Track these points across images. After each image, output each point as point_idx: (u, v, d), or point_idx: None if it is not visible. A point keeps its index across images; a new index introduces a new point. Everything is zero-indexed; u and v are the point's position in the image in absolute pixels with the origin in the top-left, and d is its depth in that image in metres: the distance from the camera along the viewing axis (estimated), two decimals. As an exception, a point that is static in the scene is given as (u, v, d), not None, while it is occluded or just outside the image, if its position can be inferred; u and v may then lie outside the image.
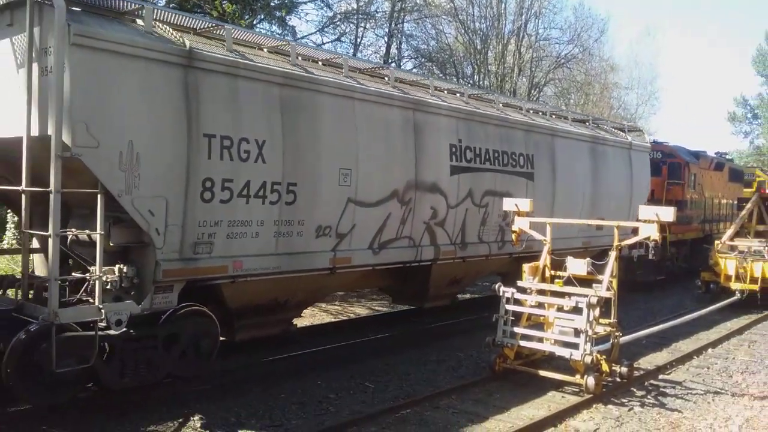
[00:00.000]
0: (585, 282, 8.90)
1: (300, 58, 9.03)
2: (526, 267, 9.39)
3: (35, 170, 6.70)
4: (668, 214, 8.54)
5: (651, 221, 8.57)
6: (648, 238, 8.64)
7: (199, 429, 6.96)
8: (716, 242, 16.95)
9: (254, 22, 20.19)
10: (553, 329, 8.88)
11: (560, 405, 8.06)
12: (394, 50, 30.16)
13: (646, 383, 9.25)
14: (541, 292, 9.10)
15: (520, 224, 9.71)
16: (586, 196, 13.81)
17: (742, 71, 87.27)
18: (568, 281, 8.99)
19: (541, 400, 8.35)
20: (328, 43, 25.89)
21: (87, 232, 6.92)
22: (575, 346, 8.35)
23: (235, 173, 7.64)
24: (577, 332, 8.44)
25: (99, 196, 6.66)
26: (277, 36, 16.81)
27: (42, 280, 7.31)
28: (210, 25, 8.27)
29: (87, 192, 6.69)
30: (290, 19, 22.70)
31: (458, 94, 11.83)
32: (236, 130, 7.66)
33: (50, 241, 6.46)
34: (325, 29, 25.10)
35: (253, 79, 7.90)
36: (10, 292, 7.77)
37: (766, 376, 10.01)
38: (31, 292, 7.44)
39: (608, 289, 8.59)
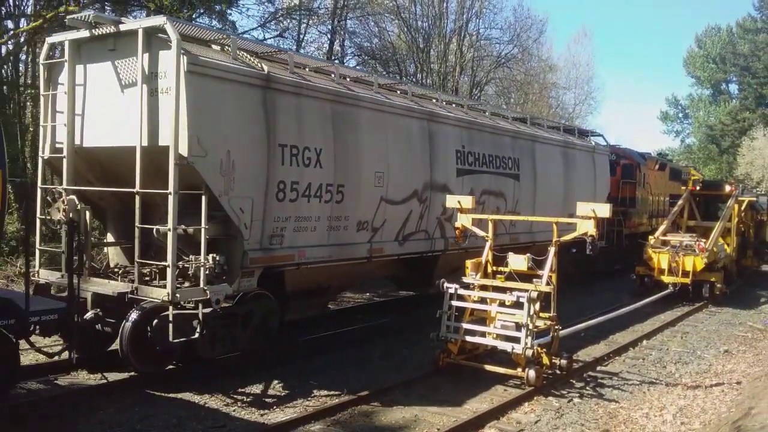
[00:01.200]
0: (527, 277, 9.07)
1: (334, 75, 10.41)
2: (469, 263, 9.50)
3: (125, 174, 8.13)
4: (605, 210, 8.78)
5: (588, 217, 8.79)
6: (586, 234, 8.85)
7: (138, 430, 6.78)
8: (650, 237, 17.52)
9: (193, 16, 19.75)
10: (496, 324, 9.02)
11: (503, 398, 8.19)
12: (337, 47, 30.02)
13: (584, 375, 9.50)
14: (483, 287, 9.23)
15: (463, 221, 9.82)
16: (560, 194, 15.39)
17: (673, 72, 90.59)
18: (510, 277, 9.15)
19: (485, 393, 8.47)
20: (270, 39, 25.57)
21: (198, 227, 7.85)
22: (517, 340, 8.50)
23: (300, 176, 9.02)
24: (518, 326, 8.59)
25: (203, 196, 7.82)
26: (320, 59, 17.65)
27: (151, 267, 8.42)
28: (272, 50, 9.96)
29: (193, 193, 7.82)
30: (231, 13, 22.32)
31: (454, 105, 13.44)
32: (301, 141, 9.04)
33: (169, 234, 7.70)
34: (267, 24, 24.80)
35: (312, 97, 9.33)
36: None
37: (698, 366, 10.42)
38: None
39: (548, 284, 8.77)
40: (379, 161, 10.33)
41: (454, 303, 9.09)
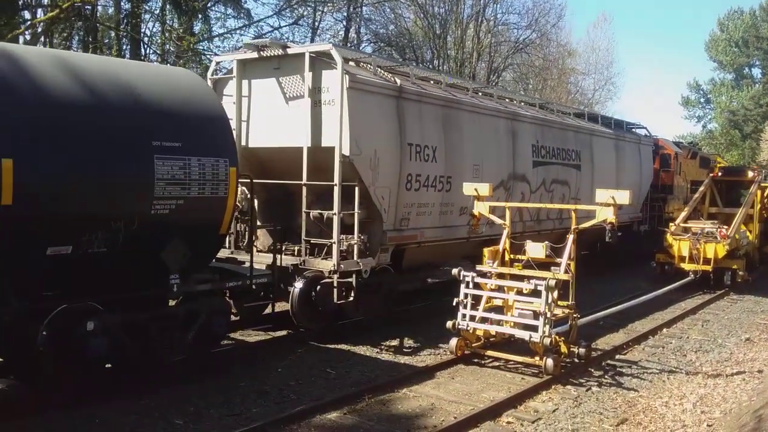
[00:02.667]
0: (545, 265, 8.99)
1: (430, 81, 12.21)
2: (486, 251, 9.43)
3: (282, 169, 10.11)
4: (624, 197, 8.65)
5: (608, 204, 8.67)
6: (605, 221, 8.74)
7: (155, 418, 6.81)
8: (670, 224, 17.30)
9: (208, 5, 19.73)
10: (513, 312, 8.95)
11: (520, 387, 8.14)
12: (352, 34, 29.93)
13: (603, 363, 9.40)
14: (501, 275, 9.15)
15: (480, 208, 9.74)
16: (613, 182, 16.66)
17: (695, 56, 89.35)
18: (528, 265, 9.06)
19: (502, 382, 8.42)
20: (285, 26, 25.51)
21: (351, 211, 9.62)
22: (534, 328, 8.42)
23: (422, 170, 10.78)
24: (536, 315, 8.52)
25: (356, 187, 9.57)
26: (429, 69, 20.21)
27: (320, 244, 9.99)
28: (395, 65, 12.13)
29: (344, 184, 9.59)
30: (246, 2, 22.30)
31: (523, 103, 15.15)
32: (422, 140, 10.80)
33: (335, 218, 9.52)
34: (282, 12, 24.72)
35: (429, 104, 11.11)
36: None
37: (719, 354, 10.28)
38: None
39: (566, 272, 8.67)
40: (476, 156, 12.04)
41: (471, 291, 9.03)
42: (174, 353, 7.81)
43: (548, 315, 8.36)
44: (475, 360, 9.12)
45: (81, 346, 6.89)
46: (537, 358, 8.66)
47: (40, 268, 6.66)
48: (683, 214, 17.54)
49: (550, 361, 8.36)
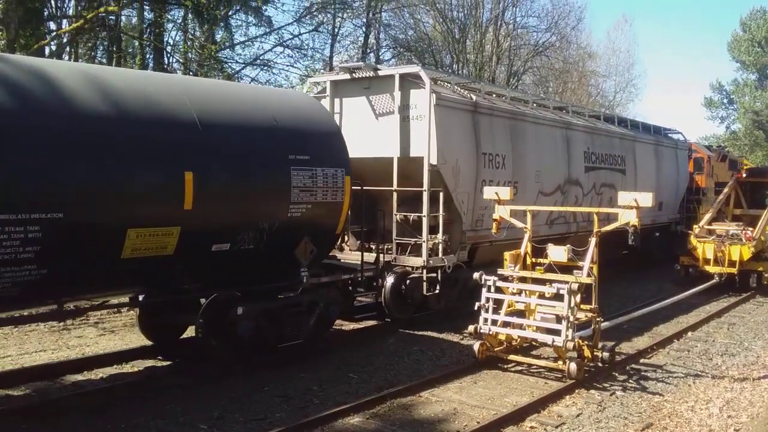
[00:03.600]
0: (567, 269, 8.94)
1: (492, 95, 13.30)
2: (507, 255, 9.41)
3: (371, 177, 10.82)
4: (647, 199, 8.58)
5: (630, 207, 8.61)
6: (628, 224, 8.68)
7: (180, 423, 6.89)
8: (694, 226, 17.11)
9: (229, 13, 19.92)
10: (535, 316, 8.91)
11: (543, 391, 8.10)
12: (372, 40, 30.02)
13: (627, 368, 9.32)
14: (522, 279, 9.12)
15: (501, 212, 9.72)
16: (653, 185, 17.77)
17: (718, 57, 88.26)
18: (550, 268, 9.02)
19: (525, 386, 8.38)
20: (305, 33, 25.66)
21: (436, 214, 10.90)
22: (557, 332, 8.38)
23: (493, 176, 11.94)
24: (558, 319, 8.47)
25: (441, 193, 10.81)
26: (497, 86, 20.94)
27: (407, 242, 11.22)
28: (466, 81, 13.34)
29: (424, 190, 10.89)
30: (266, 9, 22.48)
31: (571, 112, 16.25)
32: (494, 149, 12.05)
33: (424, 219, 10.81)
34: (302, 19, 24.88)
35: (499, 116, 12.34)
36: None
37: (746, 358, 10.14)
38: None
39: (589, 275, 8.62)
40: (537, 162, 13.23)
41: (492, 295, 9.01)
42: (299, 336, 9.11)
43: (571, 319, 8.32)
44: (498, 364, 9.10)
45: (232, 327, 8.23)
46: (560, 362, 8.62)
47: (207, 261, 7.99)
48: (707, 216, 17.34)
49: (573, 366, 8.31)
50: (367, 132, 11.28)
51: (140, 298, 8.76)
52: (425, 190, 10.73)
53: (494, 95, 13.37)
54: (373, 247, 10.98)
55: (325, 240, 9.29)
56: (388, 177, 11.04)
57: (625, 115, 23.54)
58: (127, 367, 8.88)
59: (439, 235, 10.91)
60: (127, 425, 6.80)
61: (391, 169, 11.04)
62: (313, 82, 13.03)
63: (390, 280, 10.76)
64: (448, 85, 12.06)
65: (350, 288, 10.64)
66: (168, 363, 9.17)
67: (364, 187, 10.44)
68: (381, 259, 10.76)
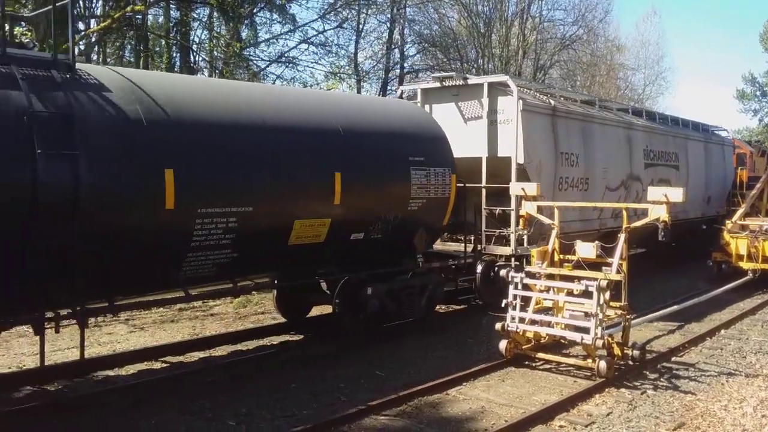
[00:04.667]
0: (596, 265, 8.82)
1: (563, 98, 14.44)
2: (534, 251, 9.31)
3: (463, 175, 11.40)
4: (678, 194, 8.43)
5: (661, 202, 8.46)
6: (658, 220, 8.53)
7: (209, 419, 6.94)
8: (727, 222, 16.79)
9: (254, 11, 19.98)
10: (564, 313, 8.81)
11: (572, 389, 8.00)
12: (396, 36, 29.92)
13: (658, 366, 9.18)
14: (550, 276, 9.02)
15: (528, 208, 9.63)
16: (703, 181, 19.33)
17: (750, 48, 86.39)
18: (578, 265, 8.91)
19: (553, 385, 8.30)
20: (330, 30, 25.67)
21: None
22: (586, 330, 8.27)
23: (569, 173, 13.14)
24: (587, 316, 8.36)
25: None
26: (569, 90, 23.24)
27: (492, 233, 12.37)
28: (544, 87, 15.15)
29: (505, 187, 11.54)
30: (290, 7, 22.52)
31: (629, 111, 17.56)
32: (569, 148, 13.20)
33: (512, 213, 11.85)
34: (326, 16, 24.88)
35: (573, 119, 13.56)
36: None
37: (780, 356, 9.91)
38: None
39: (618, 272, 8.50)
40: (605, 160, 14.40)
41: (520, 292, 8.92)
42: (414, 313, 10.46)
43: (600, 316, 8.20)
44: (526, 362, 9.02)
45: (363, 304, 9.63)
46: (589, 360, 8.51)
47: (346, 248, 9.41)
48: (740, 211, 16.98)
49: (603, 364, 8.20)
50: (456, 134, 12.02)
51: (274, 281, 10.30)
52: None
53: (560, 98, 14.24)
54: (461, 238, 12.20)
55: (433, 231, 10.82)
56: (475, 175, 12.07)
57: (652, 108, 23.46)
58: (157, 364, 8.98)
59: (512, 228, 12.04)
60: (158, 421, 6.88)
61: (478, 168, 12.18)
62: (404, 90, 14.58)
63: (480, 267, 11.87)
64: (529, 91, 13.19)
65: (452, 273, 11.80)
66: (197, 359, 9.27)
67: (471, 185, 11.77)
68: (477, 248, 12.03)
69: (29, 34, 16.50)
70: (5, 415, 6.71)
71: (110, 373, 8.51)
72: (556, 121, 12.92)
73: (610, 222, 14.17)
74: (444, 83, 12.84)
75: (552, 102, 13.08)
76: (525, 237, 11.74)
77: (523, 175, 11.84)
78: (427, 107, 12.97)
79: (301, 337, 10.67)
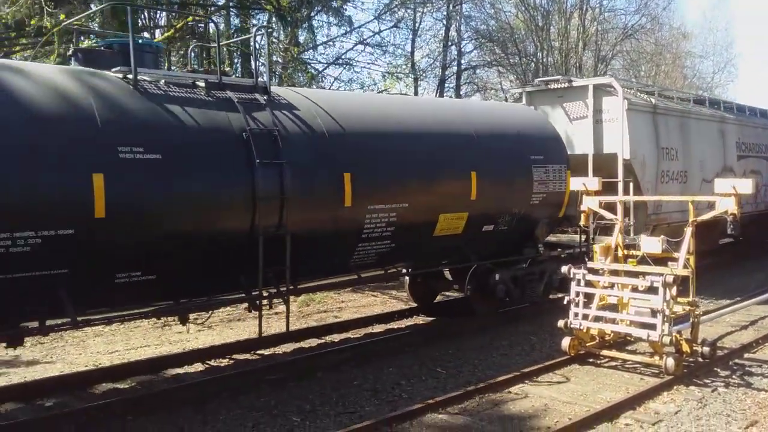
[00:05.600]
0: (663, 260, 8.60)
1: (655, 94, 14.93)
2: (597, 247, 9.14)
3: (573, 169, 11.87)
4: (747, 186, 8.13)
5: (729, 194, 8.17)
6: (726, 212, 8.25)
7: (274, 415, 7.11)
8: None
9: (311, 14, 20.24)
10: (629, 310, 8.61)
11: (639, 387, 7.83)
12: (453, 33, 29.79)
13: (730, 363, 8.87)
14: (614, 272, 8.84)
15: (589, 204, 9.46)
16: None
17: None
18: (643, 260, 8.70)
19: (619, 382, 8.14)
20: (386, 30, 25.79)
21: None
22: (653, 326, 8.06)
23: (669, 167, 13.92)
24: (653, 312, 8.15)
25: (631, 183, 12.61)
26: (669, 88, 23.42)
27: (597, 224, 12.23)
28: (646, 86, 15.68)
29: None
30: (346, 9, 22.71)
31: (722, 105, 18.00)
32: (669, 143, 13.95)
33: (619, 205, 11.19)
34: (382, 16, 24.99)
35: (672, 115, 14.29)
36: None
37: None
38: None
39: (685, 267, 8.25)
40: (701, 153, 15.03)
41: (583, 289, 8.78)
42: (534, 298, 11.42)
43: (667, 312, 7.98)
44: (590, 360, 8.87)
45: (492, 289, 10.71)
46: (656, 357, 8.31)
47: (478, 239, 10.48)
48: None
49: (670, 361, 7.98)
50: (561, 133, 12.64)
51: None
52: (620, 181, 12.55)
53: (656, 94, 14.88)
54: (568, 230, 12.99)
55: (551, 222, 11.70)
56: (580, 170, 12.50)
57: (721, 96, 22.62)
58: (224, 362, 9.25)
59: (631, 218, 12.55)
60: (225, 417, 7.09)
61: (584, 164, 12.77)
62: (510, 92, 15.65)
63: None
64: (630, 90, 13.97)
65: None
66: (261, 357, 9.50)
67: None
68: (588, 237, 12.33)
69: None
70: (82, 412, 7.05)
71: (180, 370, 8.81)
72: (656, 118, 13.67)
73: (704, 213, 14.35)
74: (549, 86, 13.80)
75: (653, 100, 13.86)
76: (631, 227, 12.39)
77: (629, 170, 12.68)
78: (531, 108, 13.59)
79: (361, 334, 10.79)
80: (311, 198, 8.17)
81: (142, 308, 7.63)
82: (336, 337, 10.57)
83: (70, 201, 6.33)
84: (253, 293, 8.01)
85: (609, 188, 12.23)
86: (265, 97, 8.27)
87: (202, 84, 7.88)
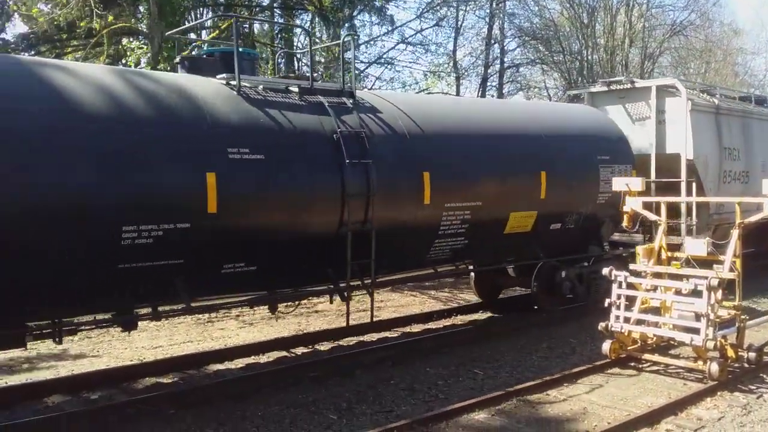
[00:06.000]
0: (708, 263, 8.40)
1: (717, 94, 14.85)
2: (640, 249, 8.97)
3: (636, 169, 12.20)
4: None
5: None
6: (775, 214, 8.02)
7: (312, 412, 7.20)
8: None
9: (353, 14, 20.34)
10: (672, 314, 8.44)
11: (681, 392, 7.67)
12: (496, 30, 29.54)
13: (778, 369, 8.61)
14: (657, 275, 8.67)
15: (632, 204, 9.29)
16: None
17: None
18: (687, 263, 8.51)
19: (661, 387, 7.98)
20: (428, 28, 25.75)
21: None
22: (696, 331, 7.89)
23: (731, 167, 13.94)
24: (697, 316, 7.97)
25: (694, 182, 12.58)
26: (727, 88, 22.71)
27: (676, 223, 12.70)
28: (708, 87, 15.56)
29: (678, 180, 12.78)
30: (388, 8, 22.74)
31: None
32: (731, 143, 13.97)
33: (683, 204, 12.52)
34: (424, 15, 24.95)
35: (734, 115, 14.32)
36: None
37: None
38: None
39: (731, 270, 8.04)
40: (762, 153, 15.06)
41: (625, 291, 8.63)
42: (597, 296, 11.07)
43: (711, 316, 7.80)
44: (631, 364, 8.72)
45: (558, 286, 11.04)
46: (700, 362, 8.13)
47: (546, 237, 10.79)
48: None
49: (714, 366, 7.80)
50: (632, 132, 13.08)
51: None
52: (683, 181, 12.61)
53: (718, 94, 14.88)
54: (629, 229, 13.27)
55: (616, 221, 11.59)
56: (642, 170, 12.56)
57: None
58: (264, 358, 9.39)
59: (693, 218, 12.58)
60: (264, 413, 7.20)
61: (646, 164, 12.88)
62: (571, 94, 15.98)
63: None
64: (693, 91, 14.06)
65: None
66: (300, 354, 9.61)
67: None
68: (652, 236, 12.16)
69: (145, 48, 17.65)
70: (126, 405, 7.25)
71: (221, 366, 8.98)
72: (719, 118, 13.70)
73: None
74: (611, 87, 13.98)
75: (716, 101, 13.89)
76: (693, 227, 12.42)
77: (692, 170, 12.67)
78: (596, 109, 13.70)
79: (398, 333, 10.81)
80: (393, 196, 8.63)
81: (240, 297, 8.42)
82: (374, 336, 10.62)
83: (188, 197, 6.93)
84: (341, 285, 8.54)
85: (672, 188, 12.64)
86: (351, 101, 8.82)
87: (294, 89, 8.47)
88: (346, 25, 22.82)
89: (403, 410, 7.28)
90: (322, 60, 22.04)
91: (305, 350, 9.82)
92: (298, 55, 22.24)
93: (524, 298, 12.31)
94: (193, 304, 7.50)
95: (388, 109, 9.11)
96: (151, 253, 6.75)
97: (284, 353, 9.63)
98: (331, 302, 9.90)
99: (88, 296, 6.83)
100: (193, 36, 20.00)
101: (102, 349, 10.05)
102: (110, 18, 17.17)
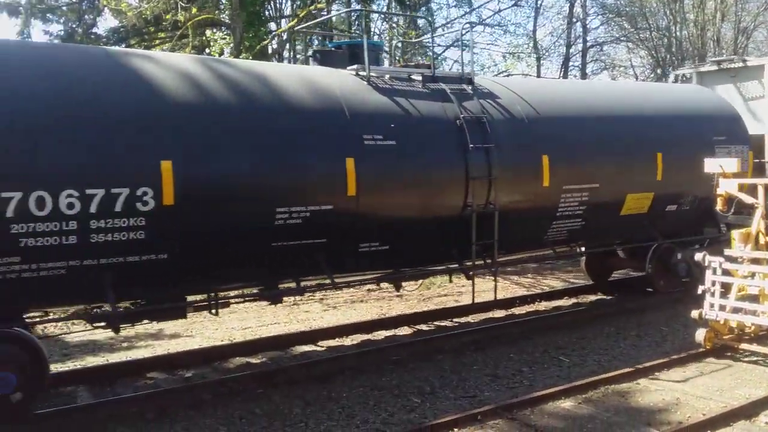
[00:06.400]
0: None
1: None
2: (736, 234, 8.55)
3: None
4: None
5: None
6: None
7: (395, 395, 7.27)
8: None
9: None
10: (772, 301, 8.01)
11: (782, 384, 7.30)
12: (578, 8, 28.69)
13: None
14: (755, 261, 8.24)
15: (727, 187, 8.85)
16: None
17: None
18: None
19: (760, 378, 7.60)
20: (506, 9, 25.28)
21: None
22: (799, 320, 7.47)
23: None
24: (801, 305, 7.54)
25: None
26: None
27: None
28: None
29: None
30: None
31: None
32: None
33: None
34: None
35: None
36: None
37: None
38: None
39: (840, 256, 7.55)
40: None
41: (720, 278, 8.25)
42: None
43: (816, 305, 7.36)
44: (728, 353, 8.35)
45: (673, 268, 11.01)
46: (803, 353, 7.69)
47: (662, 218, 10.89)
48: None
49: (819, 358, 7.37)
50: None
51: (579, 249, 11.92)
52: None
53: None
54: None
55: (731, 202, 11.54)
56: (756, 150, 12.19)
57: None
58: (347, 341, 9.54)
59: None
60: (348, 395, 7.33)
61: (759, 144, 12.46)
62: (678, 74, 15.83)
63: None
64: None
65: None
66: (383, 337, 9.71)
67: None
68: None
69: (228, 38, 18.11)
70: (218, 383, 7.54)
71: (306, 348, 9.19)
72: None
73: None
74: (721, 66, 13.75)
75: None
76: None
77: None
78: (709, 90, 13.34)
79: (480, 319, 10.75)
80: (514, 178, 8.96)
81: (373, 274, 8.95)
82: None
83: (331, 181, 7.56)
84: (467, 263, 8.94)
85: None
86: (470, 87, 9.13)
87: (417, 77, 8.91)
88: (422, 9, 22.68)
89: (486, 396, 7.25)
90: (399, 45, 22.00)
91: (388, 333, 9.91)
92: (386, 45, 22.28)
93: (639, 279, 12.10)
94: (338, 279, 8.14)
95: (505, 95, 9.36)
96: (300, 233, 7.39)
97: (368, 336, 9.75)
98: (450, 281, 11.01)
99: (242, 272, 7.63)
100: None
101: (195, 329, 10.46)
102: (194, 10, 17.69)
